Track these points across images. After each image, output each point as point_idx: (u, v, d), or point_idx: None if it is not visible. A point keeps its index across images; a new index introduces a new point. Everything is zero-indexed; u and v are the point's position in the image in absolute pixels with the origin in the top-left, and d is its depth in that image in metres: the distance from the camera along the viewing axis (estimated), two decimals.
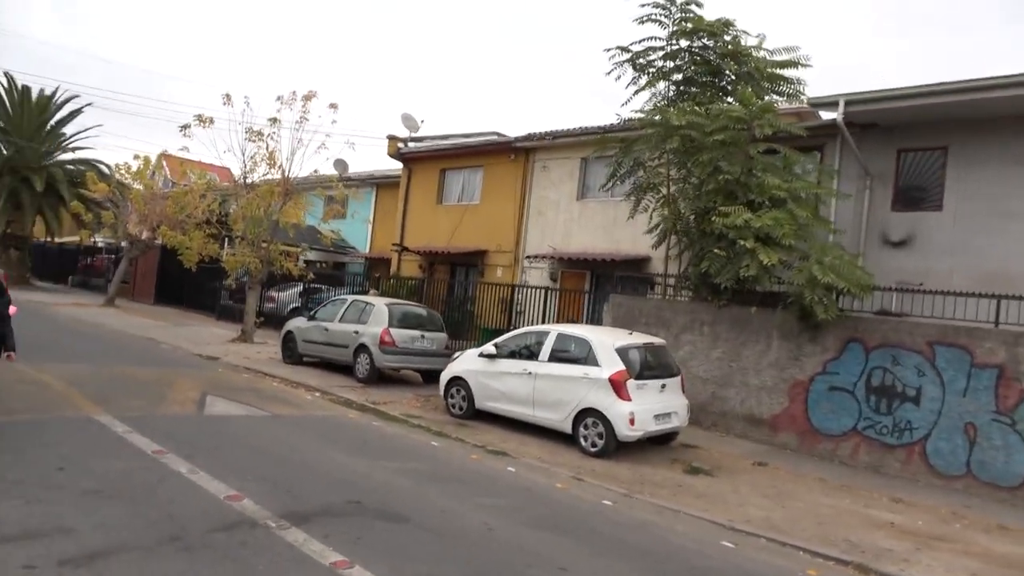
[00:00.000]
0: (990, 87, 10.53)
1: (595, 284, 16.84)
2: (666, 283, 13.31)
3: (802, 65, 12.22)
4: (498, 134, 22.00)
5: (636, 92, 13.05)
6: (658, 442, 9.99)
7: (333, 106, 17.19)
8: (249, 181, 17.63)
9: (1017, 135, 11.24)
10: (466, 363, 10.81)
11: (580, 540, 5.86)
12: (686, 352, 11.85)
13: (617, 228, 16.26)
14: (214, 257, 18.35)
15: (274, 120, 17.07)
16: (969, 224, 11.67)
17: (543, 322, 15.25)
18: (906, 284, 11.60)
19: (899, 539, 6.82)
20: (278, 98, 17.27)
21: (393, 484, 6.78)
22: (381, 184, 25.66)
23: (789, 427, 10.63)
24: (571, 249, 17.28)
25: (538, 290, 16.69)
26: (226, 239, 19.83)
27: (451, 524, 5.82)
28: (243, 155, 17.36)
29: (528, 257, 18.30)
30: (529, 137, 18.52)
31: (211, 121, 17.47)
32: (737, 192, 11.05)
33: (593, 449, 9.07)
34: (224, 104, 17.17)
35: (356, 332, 12.86)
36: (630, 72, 12.99)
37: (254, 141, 17.10)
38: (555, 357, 9.76)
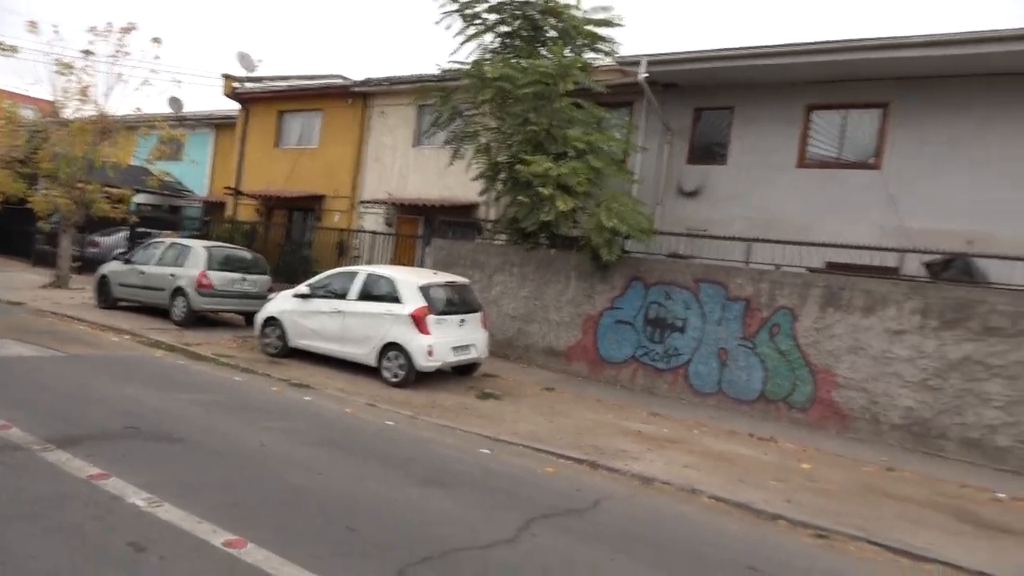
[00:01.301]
0: (762, 55, 11.88)
1: (429, 229, 17.38)
2: (485, 228, 14.08)
3: (615, 24, 13.08)
4: (343, 77, 21.67)
5: (463, 43, 13.48)
6: (461, 373, 10.84)
7: (156, 40, 16.42)
8: (62, 117, 16.56)
9: (781, 98, 12.75)
10: (281, 303, 11.09)
11: (351, 453, 6.50)
12: (498, 292, 12.74)
13: (450, 175, 16.76)
14: (21, 197, 17.16)
15: (87, 52, 16.06)
16: (747, 176, 13.19)
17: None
18: (695, 230, 13.02)
19: (639, 443, 8.01)
20: (91, 29, 16.18)
21: (181, 413, 7.10)
22: (221, 126, 24.69)
23: (581, 357, 11.81)
24: (406, 195, 17.68)
25: (374, 235, 17.05)
26: (38, 179, 18.52)
27: (228, 445, 6.27)
28: (53, 88, 16.26)
29: (364, 202, 18.53)
30: (367, 82, 18.53)
31: (14, 49, 16.18)
32: (544, 143, 11.87)
33: (394, 380, 9.74)
34: (30, 32, 15.95)
35: (173, 275, 12.72)
36: (459, 22, 13.38)
37: (64, 74, 16.01)
38: (363, 296, 10.27)
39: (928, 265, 10.88)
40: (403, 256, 17.04)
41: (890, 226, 11.82)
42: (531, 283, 12.43)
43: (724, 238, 11.06)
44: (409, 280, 10.00)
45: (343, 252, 17.74)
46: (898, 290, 9.38)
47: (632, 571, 4.59)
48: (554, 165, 11.05)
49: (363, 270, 10.59)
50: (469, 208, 16.28)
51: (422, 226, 17.54)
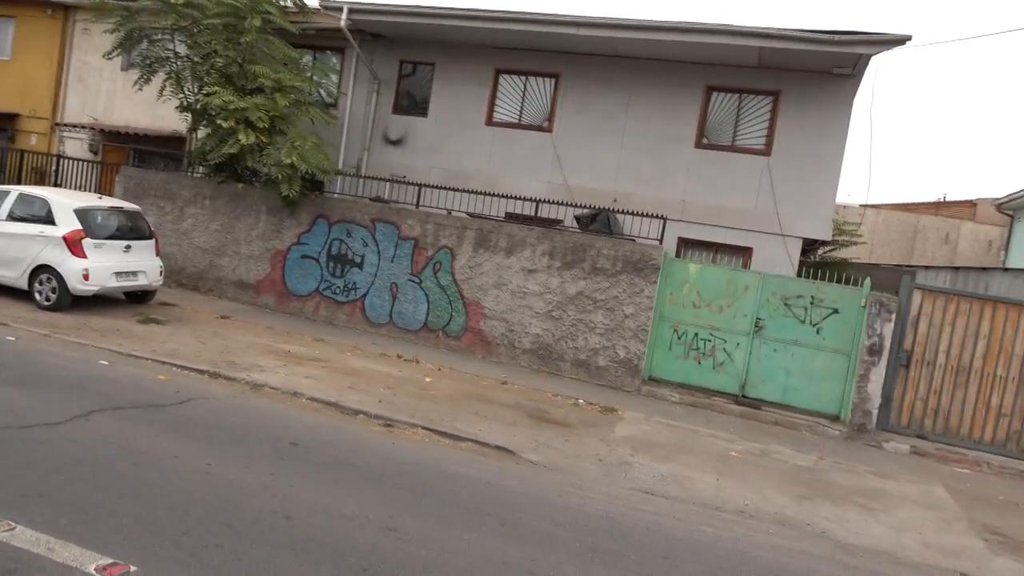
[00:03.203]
0: (454, 16, 12.84)
1: (138, 160, 16.52)
2: (184, 159, 13.83)
3: None
4: None
5: None
6: (136, 300, 10.79)
7: None
8: None
9: (475, 59, 13.93)
10: None
11: None
12: (190, 224, 12.69)
13: (163, 106, 15.93)
14: None
15: None
16: (445, 130, 14.27)
17: None
18: (398, 176, 13.87)
19: (279, 361, 8.70)
20: None
21: None
22: None
23: (270, 290, 12.25)
24: (114, 122, 16.65)
25: (78, 162, 15.87)
26: None
27: None
28: None
29: (66, 125, 17.11)
30: None
31: None
32: (235, 78, 11.92)
33: (47, 303, 9.50)
34: None
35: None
36: None
37: None
38: (14, 216, 9.80)
39: (577, 218, 12.70)
40: (109, 187, 16.08)
41: (557, 183, 13.56)
42: (222, 217, 12.54)
43: (417, 184, 12.09)
44: (64, 202, 9.72)
45: (43, 180, 16.30)
46: (533, 235, 10.95)
47: (177, 446, 5.25)
48: (235, 99, 11.20)
49: (15, 189, 10.06)
50: (182, 140, 15.77)
51: (130, 155, 16.60)
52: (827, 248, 17.28)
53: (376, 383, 8.37)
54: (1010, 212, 19.89)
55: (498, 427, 7.42)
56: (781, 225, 12.42)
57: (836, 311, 9.82)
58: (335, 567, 3.79)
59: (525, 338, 10.91)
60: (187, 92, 12.75)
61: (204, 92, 11.57)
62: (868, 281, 9.86)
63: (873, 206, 23.22)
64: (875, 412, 9.47)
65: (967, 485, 8.23)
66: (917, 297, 9.55)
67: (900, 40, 10.66)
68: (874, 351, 9.48)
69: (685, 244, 12.90)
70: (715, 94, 13.02)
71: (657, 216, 11.16)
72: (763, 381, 10.11)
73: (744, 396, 10.16)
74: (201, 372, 7.62)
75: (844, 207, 22.52)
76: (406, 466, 5.83)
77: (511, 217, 12.76)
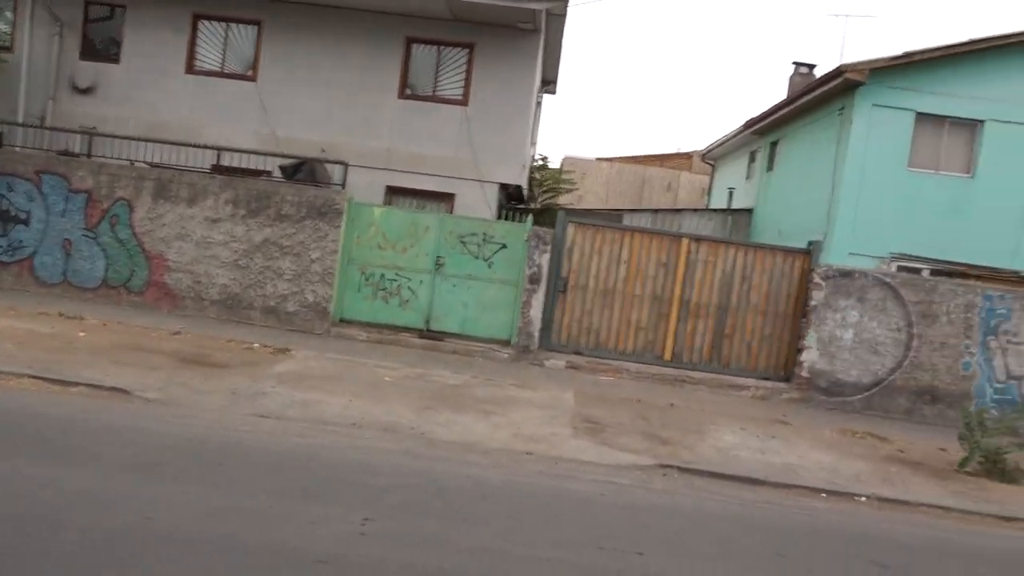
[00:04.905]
0: None
1: None
2: None
3: None
4: None
5: None
6: None
7: None
8: None
9: (170, 3, 13.19)
10: None
11: None
12: None
13: None
14: None
15: None
16: (139, 78, 13.41)
17: None
18: (88, 127, 12.81)
19: None
20: None
21: None
22: None
23: None
24: None
25: None
26: None
27: None
28: None
29: None
30: None
31: None
32: None
33: None
34: None
35: None
36: None
37: None
38: None
39: (282, 168, 12.60)
40: None
41: (265, 133, 13.32)
42: None
43: (113, 136, 11.27)
44: None
45: None
46: (215, 183, 10.74)
47: None
48: None
49: None
50: None
51: None
52: (546, 196, 18.65)
53: (7, 340, 7.86)
54: (712, 161, 22.64)
55: (131, 372, 7.31)
56: (480, 172, 13.21)
57: (504, 246, 10.70)
58: None
59: (212, 289, 10.73)
60: None
61: None
62: (531, 218, 10.83)
63: (608, 159, 25.32)
64: (537, 334, 10.52)
65: (601, 390, 9.46)
66: (571, 230, 10.67)
67: None
68: (534, 279, 10.49)
69: (393, 192, 13.32)
70: (415, 46, 13.43)
71: (340, 162, 11.41)
72: (445, 315, 10.81)
73: (429, 330, 10.81)
74: None
75: (581, 160, 24.36)
76: None
77: (218, 170, 12.37)
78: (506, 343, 10.69)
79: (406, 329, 10.79)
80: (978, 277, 11.97)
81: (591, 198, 22.69)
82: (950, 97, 13.24)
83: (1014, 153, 13.11)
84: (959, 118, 13.28)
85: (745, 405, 9.79)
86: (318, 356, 9.20)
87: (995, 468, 7.56)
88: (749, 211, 18.14)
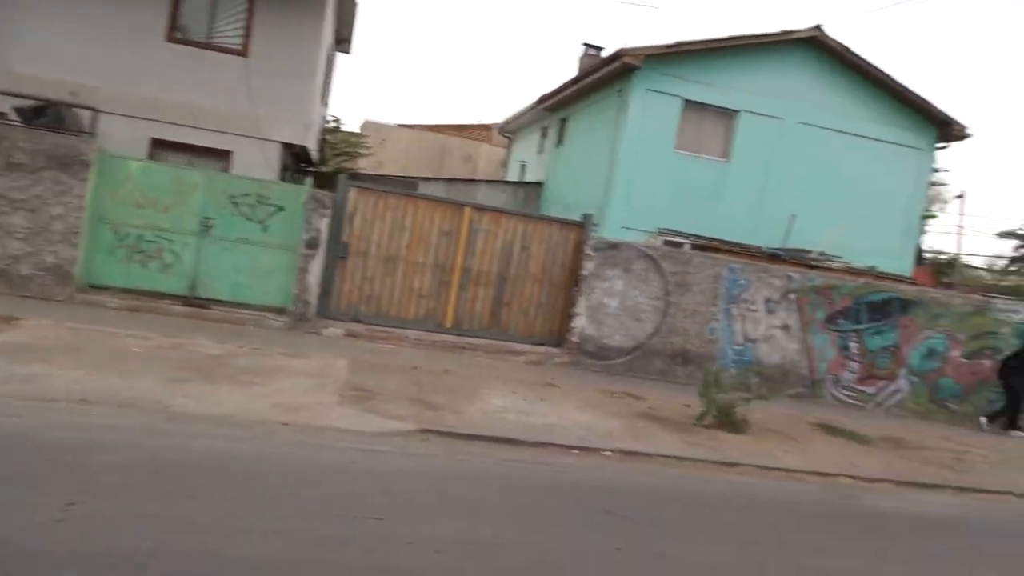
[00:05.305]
0: None
1: None
2: None
3: None
4: None
5: None
6: None
7: None
8: None
9: None
10: None
11: None
12: None
13: None
14: None
15: None
16: None
17: None
18: None
19: None
20: None
21: None
22: None
23: None
24: None
25: None
26: None
27: None
28: None
29: None
30: None
31: None
32: None
33: None
34: None
35: None
36: None
37: None
38: None
39: (18, 110, 10.95)
40: None
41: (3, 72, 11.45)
42: None
43: None
44: None
45: None
46: None
47: None
48: None
49: None
50: None
51: None
52: (339, 159, 18.04)
53: None
54: (508, 135, 23.18)
55: None
56: (260, 129, 12.38)
57: (282, 208, 10.14)
58: None
59: None
60: None
61: None
62: (311, 180, 10.37)
63: (409, 126, 25.00)
64: (314, 301, 10.15)
65: (379, 357, 9.34)
66: (353, 195, 10.36)
67: None
68: (312, 244, 10.08)
69: (160, 146, 12.10)
70: None
71: (90, 108, 10.15)
72: (213, 280, 10.06)
73: (195, 297, 10.01)
74: None
75: (381, 125, 23.83)
76: None
77: None
78: (281, 311, 10.19)
79: (168, 296, 9.91)
80: (729, 252, 13.36)
81: (390, 165, 22.30)
82: (713, 87, 14.58)
83: (760, 142, 14.79)
84: (719, 107, 14.69)
85: (519, 370, 10.19)
86: (54, 325, 8.16)
87: (727, 420, 8.51)
88: (540, 184, 18.82)
